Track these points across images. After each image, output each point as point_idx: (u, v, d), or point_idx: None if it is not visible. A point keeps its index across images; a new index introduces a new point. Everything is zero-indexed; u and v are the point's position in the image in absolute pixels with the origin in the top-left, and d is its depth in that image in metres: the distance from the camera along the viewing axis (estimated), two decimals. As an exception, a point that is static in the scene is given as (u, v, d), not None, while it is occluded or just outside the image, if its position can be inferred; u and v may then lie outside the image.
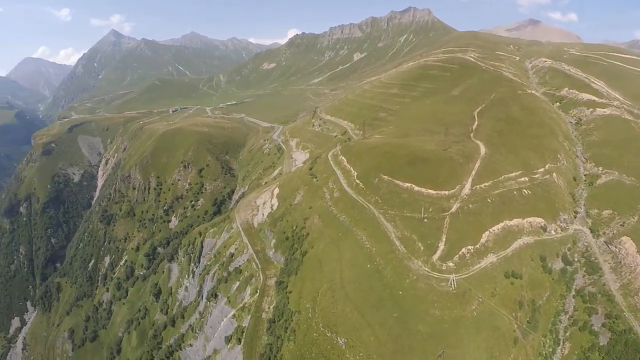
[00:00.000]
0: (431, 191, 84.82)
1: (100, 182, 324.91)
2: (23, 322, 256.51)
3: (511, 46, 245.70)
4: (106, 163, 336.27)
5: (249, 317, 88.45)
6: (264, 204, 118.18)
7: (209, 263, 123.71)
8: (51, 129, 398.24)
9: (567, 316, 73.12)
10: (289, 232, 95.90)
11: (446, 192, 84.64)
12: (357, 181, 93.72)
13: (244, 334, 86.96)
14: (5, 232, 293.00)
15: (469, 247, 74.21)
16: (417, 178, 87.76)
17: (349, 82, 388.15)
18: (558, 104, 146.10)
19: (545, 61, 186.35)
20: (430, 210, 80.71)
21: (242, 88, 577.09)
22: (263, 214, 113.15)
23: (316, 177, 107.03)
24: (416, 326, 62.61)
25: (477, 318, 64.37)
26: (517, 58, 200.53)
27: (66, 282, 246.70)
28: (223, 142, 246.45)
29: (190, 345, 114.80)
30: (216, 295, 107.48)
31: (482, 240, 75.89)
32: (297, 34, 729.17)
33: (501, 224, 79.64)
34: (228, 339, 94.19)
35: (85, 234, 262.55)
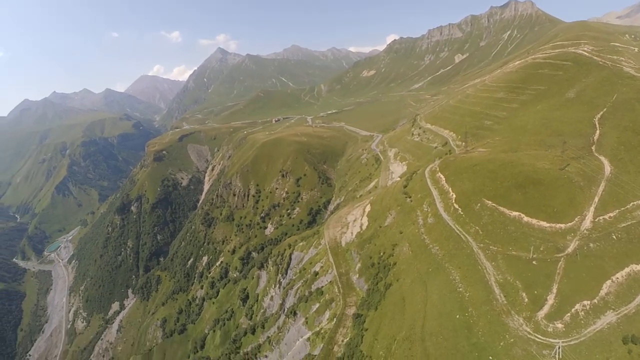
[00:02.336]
0: (544, 223, 68.13)
1: (206, 187, 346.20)
2: (122, 307, 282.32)
3: (627, 35, 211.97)
4: (212, 169, 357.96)
5: (322, 346, 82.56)
6: (354, 221, 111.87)
7: (294, 277, 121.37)
8: (163, 138, 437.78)
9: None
10: (376, 258, 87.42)
11: (562, 226, 67.69)
12: (456, 205, 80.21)
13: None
14: (116, 227, 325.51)
15: (585, 302, 57.01)
16: (527, 205, 71.45)
17: (451, 86, 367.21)
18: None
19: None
20: (542, 249, 64.05)
21: (343, 96, 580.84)
22: (352, 233, 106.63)
23: (410, 197, 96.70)
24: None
25: (580, 402, 49.01)
26: (636, 49, 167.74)
27: (166, 276, 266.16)
28: (321, 151, 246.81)
29: (266, 357, 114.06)
30: (295, 313, 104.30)
31: (602, 292, 58.38)
32: (395, 39, 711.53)
33: (626, 270, 61.48)
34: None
35: (188, 234, 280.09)
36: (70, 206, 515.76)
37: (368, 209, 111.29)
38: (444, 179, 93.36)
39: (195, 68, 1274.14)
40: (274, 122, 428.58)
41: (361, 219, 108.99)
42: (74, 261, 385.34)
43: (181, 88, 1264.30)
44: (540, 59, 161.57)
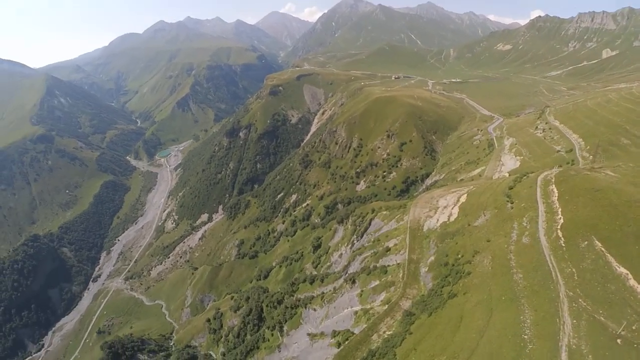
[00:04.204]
0: (649, 295, 52.61)
1: (312, 129, 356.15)
2: (210, 219, 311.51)
3: None
4: (322, 113, 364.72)
5: (364, 327, 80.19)
6: (444, 207, 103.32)
7: (366, 244, 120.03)
8: (282, 74, 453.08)
9: None
10: (452, 258, 79.80)
11: (668, 306, 51.38)
12: (560, 233, 67.42)
13: (346, 344, 79.92)
14: (222, 147, 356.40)
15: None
16: (639, 264, 55.87)
17: (592, 84, 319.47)
18: None
19: None
20: (634, 327, 48.94)
21: (471, 67, 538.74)
22: (437, 220, 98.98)
23: (512, 203, 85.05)
24: None
25: None
26: None
27: (255, 203, 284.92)
28: (434, 120, 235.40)
29: (314, 310, 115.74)
30: (354, 282, 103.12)
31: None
32: (539, 16, 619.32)
33: None
34: (334, 334, 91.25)
35: (285, 170, 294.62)
36: (187, 121, 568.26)
37: (463, 199, 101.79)
38: (556, 194, 79.90)
39: (325, 11, 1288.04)
40: (393, 78, 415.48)
41: (452, 208, 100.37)
42: (179, 169, 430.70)
43: (309, 29, 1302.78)
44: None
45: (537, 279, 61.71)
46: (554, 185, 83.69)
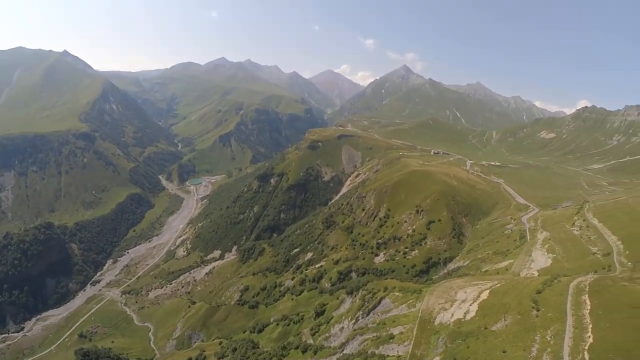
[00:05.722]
0: None
1: (343, 190, 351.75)
2: (221, 257, 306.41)
3: None
4: (356, 176, 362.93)
5: None
6: (462, 302, 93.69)
7: (370, 325, 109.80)
8: (324, 131, 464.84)
9: None
10: None
11: None
12: (586, 355, 58.87)
13: None
14: (251, 190, 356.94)
15: None
16: None
17: (634, 180, 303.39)
18: None
19: None
20: None
21: (512, 151, 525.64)
22: (452, 315, 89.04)
23: (538, 310, 75.63)
24: None
25: None
26: None
27: (269, 252, 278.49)
28: (467, 202, 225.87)
29: None
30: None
31: None
32: (586, 107, 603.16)
33: None
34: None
35: (306, 225, 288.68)
36: (225, 156, 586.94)
37: (484, 296, 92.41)
38: (588, 307, 71.43)
39: (377, 77, 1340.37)
40: (432, 153, 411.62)
41: (470, 304, 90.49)
42: (205, 200, 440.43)
43: (359, 92, 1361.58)
44: None
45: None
46: (587, 295, 75.97)
